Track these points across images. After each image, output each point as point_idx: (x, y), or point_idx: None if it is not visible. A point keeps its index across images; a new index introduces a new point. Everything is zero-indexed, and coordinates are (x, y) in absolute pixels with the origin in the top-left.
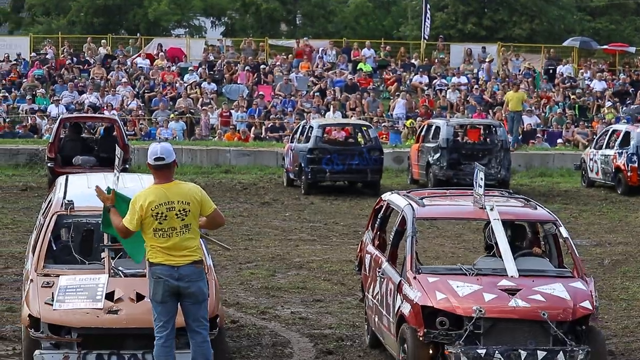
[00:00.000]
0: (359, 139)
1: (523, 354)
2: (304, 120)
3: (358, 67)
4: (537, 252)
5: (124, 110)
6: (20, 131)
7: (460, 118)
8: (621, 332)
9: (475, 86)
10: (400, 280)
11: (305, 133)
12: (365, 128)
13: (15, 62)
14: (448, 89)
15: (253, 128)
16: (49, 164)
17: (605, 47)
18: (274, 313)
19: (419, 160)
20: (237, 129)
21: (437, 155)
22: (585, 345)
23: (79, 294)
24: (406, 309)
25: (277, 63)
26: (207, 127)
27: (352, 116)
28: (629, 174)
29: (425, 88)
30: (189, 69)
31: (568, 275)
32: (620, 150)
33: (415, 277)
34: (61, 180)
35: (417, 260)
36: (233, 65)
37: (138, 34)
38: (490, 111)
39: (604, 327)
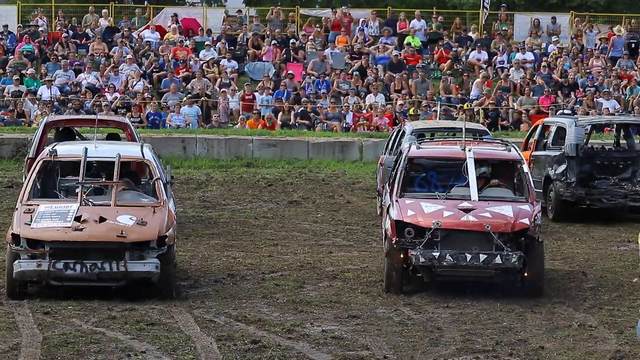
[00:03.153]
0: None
1: (468, 256)
2: (400, 124)
3: (405, 42)
4: (493, 183)
5: (128, 92)
6: (5, 117)
7: (588, 115)
8: None
9: (543, 64)
10: (389, 204)
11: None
12: (478, 135)
13: (0, 35)
14: (511, 67)
15: (280, 114)
16: None
17: None
18: (302, 331)
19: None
20: (262, 114)
21: (562, 167)
22: (519, 251)
23: (53, 217)
24: (387, 224)
25: (310, 37)
26: (226, 113)
27: (397, 99)
28: None
29: (484, 66)
30: (206, 43)
31: (521, 201)
32: None
33: (397, 200)
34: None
35: (402, 187)
36: (258, 39)
37: (146, 2)
38: (559, 93)
39: None
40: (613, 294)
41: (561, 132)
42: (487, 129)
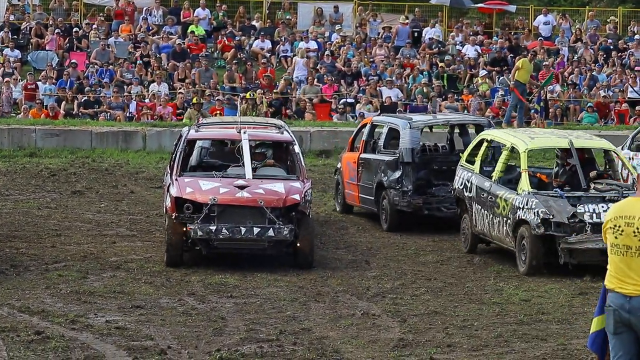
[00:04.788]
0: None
1: (243, 229)
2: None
3: (189, 30)
4: (269, 163)
5: None
6: None
7: (425, 114)
8: (494, 341)
9: (327, 52)
10: (169, 183)
11: None
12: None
13: None
14: (294, 55)
15: (64, 103)
16: None
17: (480, 5)
18: (85, 322)
19: (359, 178)
20: (45, 104)
21: (397, 174)
22: (291, 224)
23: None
24: (168, 202)
25: (94, 25)
26: (8, 103)
27: (181, 88)
28: None
29: (268, 55)
30: None
31: (293, 178)
32: None
33: (176, 179)
34: None
35: (181, 167)
36: (41, 28)
37: None
38: (343, 81)
39: (473, 336)
40: (396, 283)
41: (393, 133)
42: (282, 123)
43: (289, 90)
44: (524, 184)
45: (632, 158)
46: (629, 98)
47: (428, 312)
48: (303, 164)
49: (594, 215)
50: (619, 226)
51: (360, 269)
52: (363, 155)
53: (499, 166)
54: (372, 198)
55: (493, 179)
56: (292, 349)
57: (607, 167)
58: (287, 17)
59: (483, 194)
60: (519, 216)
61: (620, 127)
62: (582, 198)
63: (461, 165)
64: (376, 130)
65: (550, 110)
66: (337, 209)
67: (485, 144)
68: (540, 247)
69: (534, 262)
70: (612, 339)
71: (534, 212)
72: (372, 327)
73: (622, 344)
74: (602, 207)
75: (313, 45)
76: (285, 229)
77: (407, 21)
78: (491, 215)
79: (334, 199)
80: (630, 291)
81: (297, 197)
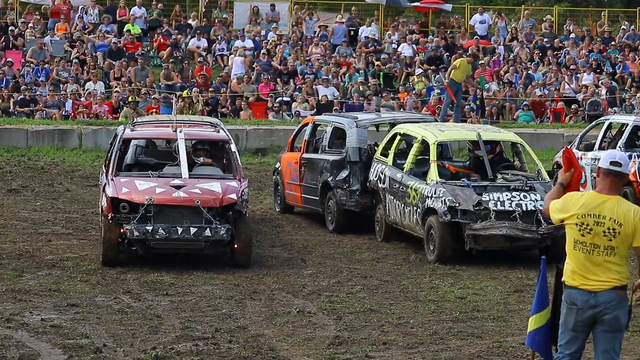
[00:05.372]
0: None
1: (179, 229)
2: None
3: (125, 29)
4: (206, 162)
5: None
6: None
7: (368, 112)
8: (429, 338)
9: (263, 51)
10: (105, 183)
11: None
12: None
13: None
14: (231, 54)
15: None
16: None
17: (416, 4)
18: (21, 320)
19: (302, 178)
20: None
21: (344, 173)
22: (227, 224)
23: None
24: (104, 202)
25: (29, 24)
26: None
27: (117, 86)
28: None
29: (204, 53)
30: None
31: (230, 178)
32: (631, 153)
33: (112, 179)
34: None
35: (117, 167)
36: None
37: None
38: (279, 80)
39: (408, 334)
40: (332, 280)
41: (338, 133)
42: (218, 121)
43: (222, 90)
44: (433, 174)
45: (581, 157)
46: (565, 96)
47: (364, 309)
48: (239, 163)
49: (499, 203)
50: (587, 224)
51: (296, 267)
52: (306, 155)
53: (410, 158)
54: (317, 198)
55: (404, 171)
56: (228, 346)
57: (515, 158)
58: (224, 15)
59: (395, 185)
60: (427, 205)
61: (556, 125)
62: (487, 187)
63: (376, 159)
64: (319, 129)
65: (487, 108)
66: (277, 210)
67: (398, 137)
68: (448, 234)
69: (442, 248)
70: (568, 334)
71: (442, 201)
72: (307, 325)
73: (576, 340)
74: (507, 195)
75: (249, 44)
76: (222, 228)
77: (343, 20)
78: (402, 205)
79: (274, 200)
80: (595, 287)
81: (234, 196)
